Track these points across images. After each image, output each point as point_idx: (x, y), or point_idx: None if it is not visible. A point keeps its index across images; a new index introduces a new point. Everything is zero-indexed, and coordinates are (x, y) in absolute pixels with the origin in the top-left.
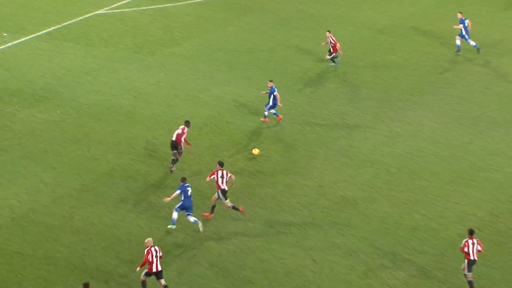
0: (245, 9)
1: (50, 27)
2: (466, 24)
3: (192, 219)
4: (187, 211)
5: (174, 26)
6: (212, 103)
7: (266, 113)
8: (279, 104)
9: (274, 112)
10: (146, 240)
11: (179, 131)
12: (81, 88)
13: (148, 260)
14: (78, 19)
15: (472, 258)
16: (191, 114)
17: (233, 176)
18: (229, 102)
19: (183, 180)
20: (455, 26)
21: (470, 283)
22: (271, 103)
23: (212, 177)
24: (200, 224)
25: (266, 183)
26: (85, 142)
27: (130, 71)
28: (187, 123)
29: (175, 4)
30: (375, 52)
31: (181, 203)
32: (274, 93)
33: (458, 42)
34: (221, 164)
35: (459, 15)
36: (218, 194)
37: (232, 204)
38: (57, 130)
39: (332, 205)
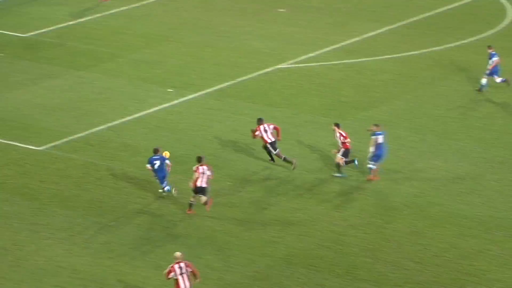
0: (457, 66)
1: (223, 83)
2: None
3: (166, 187)
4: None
5: (370, 84)
6: (415, 179)
7: (372, 166)
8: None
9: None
10: (174, 254)
11: (270, 129)
12: (258, 156)
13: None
14: (256, 74)
15: None
16: (389, 191)
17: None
18: (437, 179)
19: (155, 151)
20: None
21: None
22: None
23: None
24: (173, 190)
25: (481, 280)
26: (260, 220)
27: (316, 138)
28: (261, 121)
29: (371, 58)
30: None
31: (156, 178)
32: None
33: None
34: (199, 160)
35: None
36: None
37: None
38: (228, 206)
39: None
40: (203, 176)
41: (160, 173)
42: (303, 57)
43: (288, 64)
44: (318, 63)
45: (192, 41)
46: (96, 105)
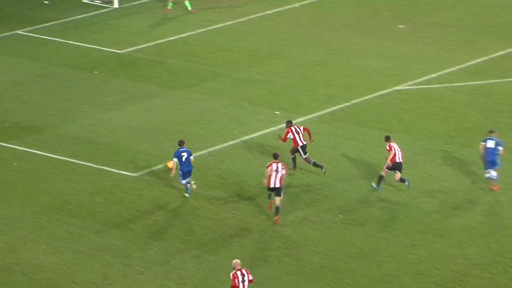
0: None
1: (335, 105)
2: None
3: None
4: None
5: (498, 109)
6: None
7: (490, 175)
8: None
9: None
10: (233, 262)
11: (301, 131)
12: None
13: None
14: (371, 96)
15: None
16: None
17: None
18: None
19: (180, 143)
20: None
21: None
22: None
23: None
24: (190, 189)
25: None
26: (374, 257)
27: (437, 166)
28: (290, 123)
29: (500, 80)
30: None
31: (180, 171)
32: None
33: None
34: (275, 156)
35: None
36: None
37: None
38: (338, 240)
39: None
40: (276, 174)
41: (187, 167)
42: (423, 78)
43: (407, 86)
44: (440, 85)
45: (302, 59)
46: (197, 128)
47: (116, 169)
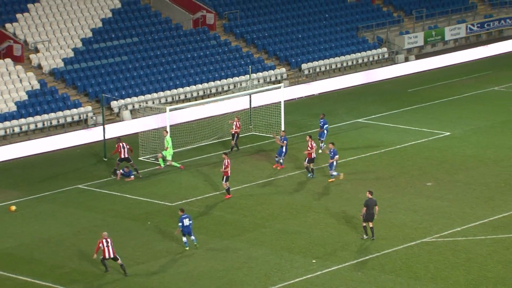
0: None
1: (367, 255)
2: None
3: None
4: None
5: None
6: None
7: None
8: None
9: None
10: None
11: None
12: None
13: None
14: (401, 246)
15: None
16: None
17: None
18: None
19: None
20: None
21: None
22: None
23: None
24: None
25: None
26: None
27: None
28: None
29: None
30: None
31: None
32: None
33: None
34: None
35: None
36: None
37: None
38: None
39: None
40: None
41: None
42: (449, 231)
43: (434, 238)
44: (464, 238)
45: (336, 212)
46: (240, 274)
47: None
